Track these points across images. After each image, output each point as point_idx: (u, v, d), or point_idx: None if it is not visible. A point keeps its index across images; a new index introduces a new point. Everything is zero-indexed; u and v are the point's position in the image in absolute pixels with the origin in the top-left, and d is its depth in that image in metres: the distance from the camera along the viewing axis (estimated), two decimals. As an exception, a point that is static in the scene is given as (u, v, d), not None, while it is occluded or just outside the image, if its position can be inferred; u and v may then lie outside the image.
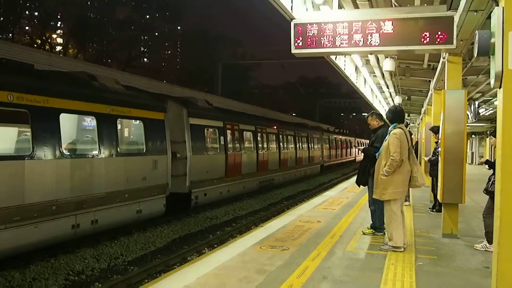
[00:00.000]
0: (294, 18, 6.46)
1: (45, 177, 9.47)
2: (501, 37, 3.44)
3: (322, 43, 6.27)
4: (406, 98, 19.63)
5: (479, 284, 5.46)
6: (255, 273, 5.85)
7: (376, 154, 7.41)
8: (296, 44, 6.38)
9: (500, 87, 3.50)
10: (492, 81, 3.57)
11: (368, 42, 6.19)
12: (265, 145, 23.23)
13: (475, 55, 3.81)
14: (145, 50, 64.23)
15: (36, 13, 50.85)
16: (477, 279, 5.72)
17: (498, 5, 3.55)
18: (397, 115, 7.45)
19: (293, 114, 64.83)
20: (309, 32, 6.30)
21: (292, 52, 6.47)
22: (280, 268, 6.10)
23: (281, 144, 25.61)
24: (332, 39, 6.24)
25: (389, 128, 7.33)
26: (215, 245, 11.33)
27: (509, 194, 3.46)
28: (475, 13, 5.60)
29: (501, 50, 3.43)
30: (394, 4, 6.95)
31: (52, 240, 9.79)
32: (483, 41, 3.61)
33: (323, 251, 7.08)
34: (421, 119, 23.40)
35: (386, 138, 7.29)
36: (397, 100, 18.57)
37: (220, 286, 5.32)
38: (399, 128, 7.19)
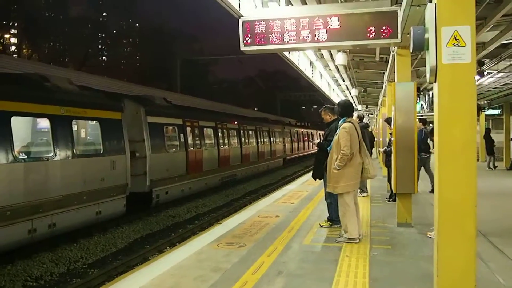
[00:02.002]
0: (242, 16, 6.48)
1: (-3, 182, 9.26)
2: (434, 32, 3.54)
3: (271, 39, 6.31)
4: (363, 90, 19.95)
5: (429, 271, 5.57)
6: (211, 271, 5.86)
7: (328, 148, 7.52)
8: (245, 41, 6.40)
9: (435, 81, 3.61)
10: (427, 76, 3.68)
11: (315, 38, 6.26)
12: (226, 141, 23.25)
13: (411, 50, 3.92)
14: (103, 48, 63.23)
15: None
16: (427, 266, 5.86)
17: (431, 1, 3.65)
18: (345, 109, 7.58)
19: (255, 109, 64.90)
20: (257, 29, 6.33)
21: (241, 49, 6.49)
22: (236, 265, 6.12)
23: (242, 139, 25.67)
24: (280, 36, 6.28)
25: (339, 122, 7.45)
26: (177, 243, 11.29)
27: (446, 185, 3.58)
28: (417, 7, 5.72)
29: (434, 45, 3.54)
30: (341, 0, 7.05)
31: (8, 246, 9.59)
32: (417, 36, 3.71)
33: (280, 246, 7.13)
34: (379, 111, 23.83)
35: (336, 132, 7.41)
36: (354, 92, 18.83)
37: (175, 286, 5.30)
38: (349, 122, 7.32)
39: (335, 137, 7.28)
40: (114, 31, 64.37)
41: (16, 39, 53.73)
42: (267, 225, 8.80)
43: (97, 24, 58.01)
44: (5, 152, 9.40)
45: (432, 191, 12.63)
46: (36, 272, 9.54)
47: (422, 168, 12.22)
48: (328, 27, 6.14)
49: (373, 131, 26.95)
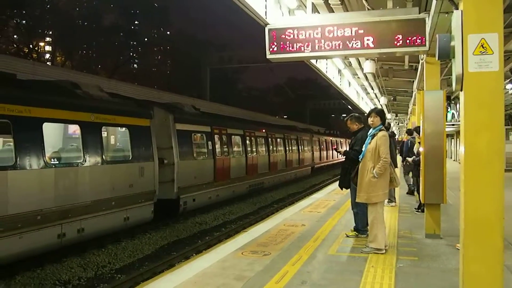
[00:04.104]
0: (268, 24, 6.48)
1: (29, 187, 9.43)
2: (461, 40, 3.46)
3: (296, 47, 6.27)
4: (392, 98, 19.72)
5: (457, 284, 5.46)
6: (234, 279, 5.83)
7: (359, 157, 7.41)
8: (271, 49, 6.37)
9: (461, 90, 3.53)
10: (453, 84, 3.60)
11: (341, 46, 6.17)
12: (254, 149, 23.22)
13: (437, 58, 3.84)
14: (134, 55, 64.25)
15: (23, 21, 50.68)
16: (455, 279, 5.69)
17: (457, 9, 3.58)
18: (384, 117, 7.56)
19: (284, 117, 64.84)
20: (283, 37, 6.30)
21: (267, 57, 6.47)
22: (259, 274, 6.08)
23: (270, 147, 25.61)
24: (306, 44, 6.23)
25: (373, 130, 7.35)
26: (203, 251, 11.31)
27: (471, 196, 3.49)
28: (446, 15, 5.64)
29: (460, 53, 3.46)
30: (368, 8, 6.98)
31: (37, 250, 9.74)
32: (443, 44, 3.63)
33: (305, 255, 7.07)
34: (409, 119, 23.53)
35: (368, 140, 7.32)
36: (383, 100, 18.65)
37: (197, 294, 5.32)
38: (383, 129, 7.29)
39: (370, 145, 7.19)
40: (146, 39, 65.32)
41: (50, 47, 55.07)
42: (293, 234, 8.74)
43: (129, 33, 58.95)
44: (37, 157, 9.59)
45: (410, 193, 13.60)
46: (64, 276, 9.67)
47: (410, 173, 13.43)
48: (354, 35, 6.08)
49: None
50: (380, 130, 7.30)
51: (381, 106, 21.55)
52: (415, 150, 12.38)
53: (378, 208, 7.15)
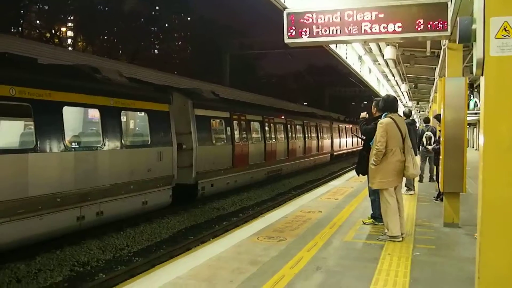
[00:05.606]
0: (287, 8, 6.41)
1: (49, 170, 9.55)
2: (482, 23, 3.36)
3: (315, 32, 6.20)
4: (413, 86, 19.45)
5: (473, 273, 5.39)
6: (248, 264, 5.85)
7: (370, 143, 7.37)
8: (289, 33, 6.31)
9: (482, 75, 3.43)
10: (474, 68, 3.51)
11: (361, 30, 6.09)
12: (272, 135, 23.15)
13: (457, 42, 3.75)
14: (155, 41, 64.41)
15: (46, 7, 51.12)
16: (472, 268, 5.61)
17: (479, -10, 3.48)
18: (386, 104, 7.42)
19: (304, 103, 64.55)
20: (302, 22, 6.24)
21: (285, 41, 6.42)
22: (274, 259, 6.08)
23: (289, 133, 25.51)
24: (325, 28, 6.17)
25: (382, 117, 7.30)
26: (220, 235, 11.35)
27: (490, 184, 3.41)
28: (469, -1, 5.49)
29: (482, 36, 3.36)
30: (388, -9, 6.86)
31: (57, 232, 9.88)
32: (464, 27, 3.52)
33: (320, 242, 7.05)
34: (430, 107, 23.21)
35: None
36: (403, 88, 18.41)
37: (212, 277, 5.33)
38: (389, 117, 7.15)
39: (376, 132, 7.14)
40: (166, 25, 65.40)
41: (72, 32, 55.49)
42: (309, 220, 8.72)
43: (150, 18, 59.05)
44: (57, 141, 9.68)
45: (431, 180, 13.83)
46: (83, 258, 9.81)
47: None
48: (374, 19, 5.98)
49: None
50: (385, 117, 7.22)
51: (402, 93, 21.29)
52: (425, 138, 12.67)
53: (386, 196, 7.07)
